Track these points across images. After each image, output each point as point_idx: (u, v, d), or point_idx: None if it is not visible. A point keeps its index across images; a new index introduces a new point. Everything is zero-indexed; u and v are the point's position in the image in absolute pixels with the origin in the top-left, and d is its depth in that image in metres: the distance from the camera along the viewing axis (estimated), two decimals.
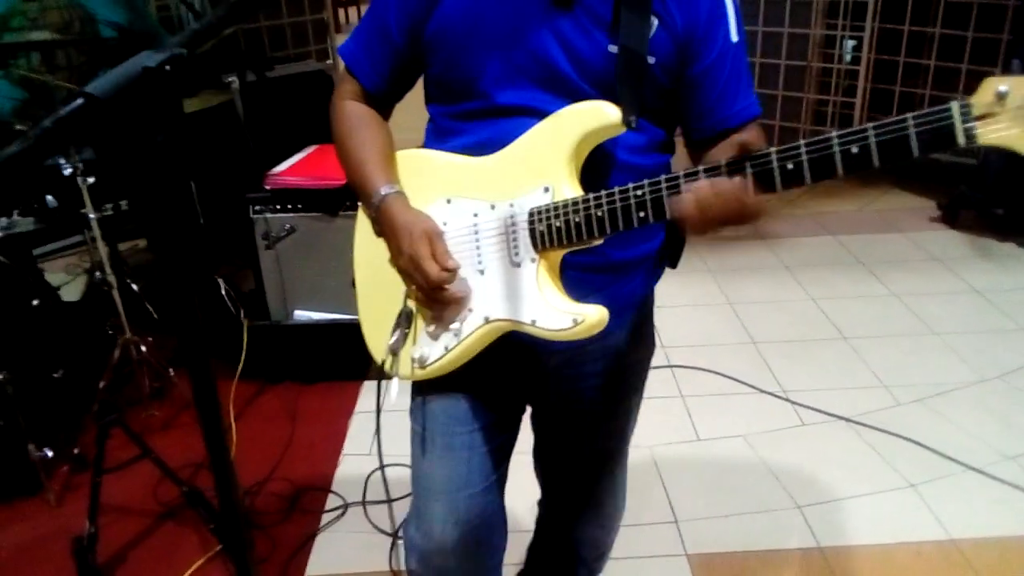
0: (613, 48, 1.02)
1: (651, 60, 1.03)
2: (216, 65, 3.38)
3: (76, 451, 2.20)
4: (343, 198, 2.34)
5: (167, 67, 0.55)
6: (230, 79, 3.08)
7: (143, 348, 2.30)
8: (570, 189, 1.02)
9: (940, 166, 3.88)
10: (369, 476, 2.15)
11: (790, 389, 2.46)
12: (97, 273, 2.31)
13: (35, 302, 2.25)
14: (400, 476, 2.16)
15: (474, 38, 1.05)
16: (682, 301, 3.02)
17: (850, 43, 4.14)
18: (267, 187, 2.37)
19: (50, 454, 2.11)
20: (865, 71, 4.04)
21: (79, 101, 0.52)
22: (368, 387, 2.58)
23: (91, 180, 2.07)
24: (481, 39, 1.05)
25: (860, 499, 2.01)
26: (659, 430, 2.27)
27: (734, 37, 1.07)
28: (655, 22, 1.02)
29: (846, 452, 2.18)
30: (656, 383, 2.45)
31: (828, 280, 3.14)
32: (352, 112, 1.19)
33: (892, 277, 3.13)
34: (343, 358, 2.60)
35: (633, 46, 1.02)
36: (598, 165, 1.07)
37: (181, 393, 2.41)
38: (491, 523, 1.26)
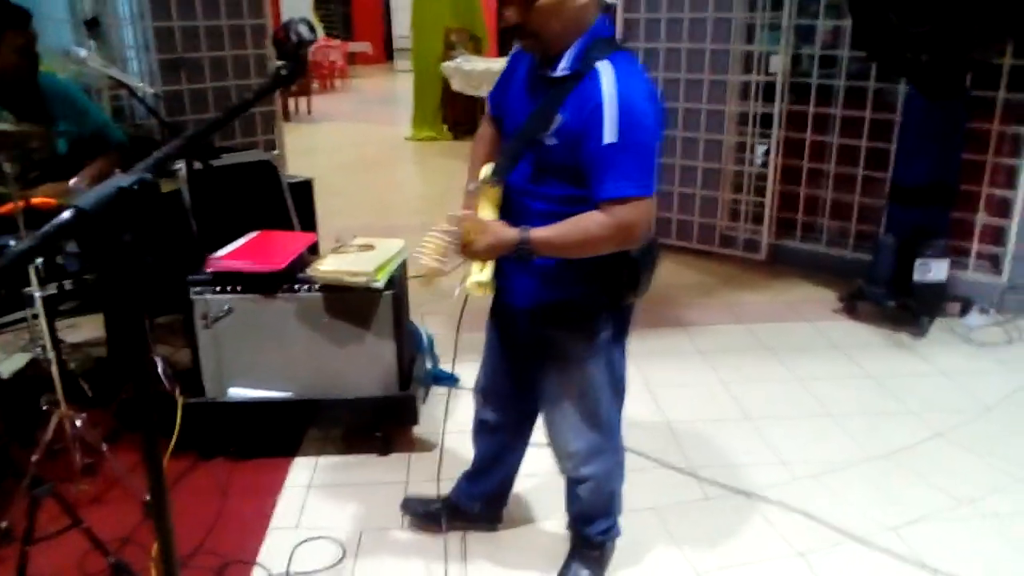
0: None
1: (552, 142, 1.61)
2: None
3: (4, 524, 2.23)
4: (280, 281, 2.49)
5: (136, 187, 0.72)
6: (177, 167, 3.25)
7: (78, 423, 2.36)
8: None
9: (843, 261, 4.24)
10: (294, 549, 2.23)
11: (696, 465, 2.64)
12: (37, 350, 2.39)
13: None
14: (325, 548, 2.25)
15: (503, 107, 1.82)
16: None
17: (761, 148, 4.54)
18: (208, 270, 2.51)
19: None
20: (774, 174, 4.43)
21: (71, 213, 0.69)
22: (298, 463, 2.67)
23: (39, 261, 2.19)
24: (505, 111, 1.81)
25: (754, 566, 2.17)
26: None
27: (606, 140, 1.52)
28: (559, 118, 1.59)
29: (744, 524, 2.36)
30: None
31: (737, 364, 3.38)
32: (480, 131, 1.94)
33: (796, 362, 3.39)
34: (275, 435, 2.70)
35: (533, 131, 1.63)
36: (518, 210, 1.70)
37: (111, 469, 2.46)
38: None
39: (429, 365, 3.04)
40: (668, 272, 4.54)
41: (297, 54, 1.10)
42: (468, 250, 1.63)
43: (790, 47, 4.22)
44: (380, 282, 2.46)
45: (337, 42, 15.84)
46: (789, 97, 4.31)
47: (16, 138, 2.27)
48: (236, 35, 4.43)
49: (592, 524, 2.08)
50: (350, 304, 2.52)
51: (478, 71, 8.08)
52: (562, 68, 1.60)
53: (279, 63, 1.16)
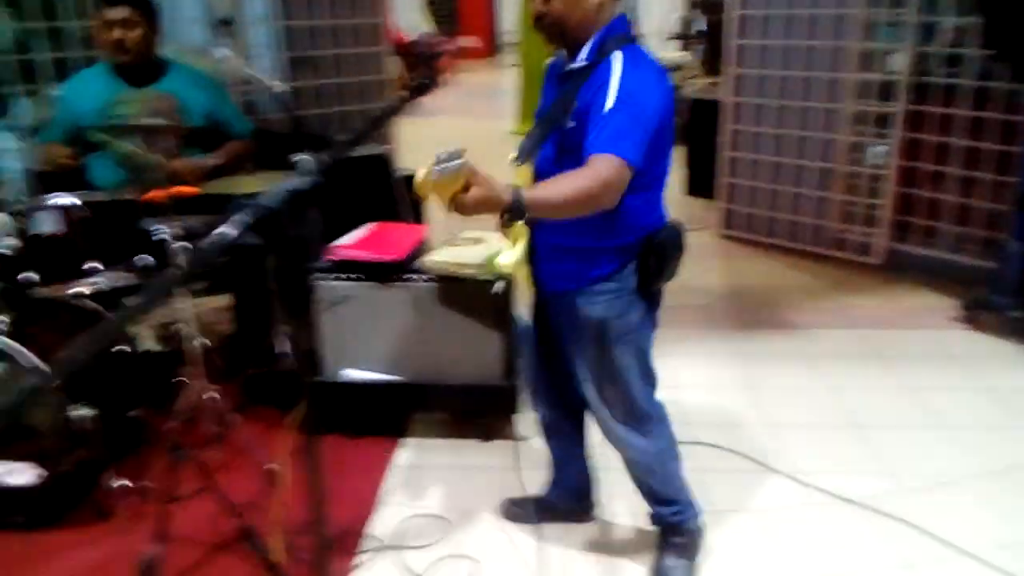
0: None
1: (571, 124, 1.75)
2: (288, 145, 3.76)
3: (145, 483, 2.45)
4: (396, 270, 2.62)
5: (305, 189, 0.82)
6: (299, 159, 3.45)
7: (211, 395, 2.56)
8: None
9: (964, 268, 4.04)
10: (401, 524, 2.36)
11: (801, 470, 2.61)
12: (176, 326, 2.61)
13: (117, 348, 2.56)
14: (429, 524, 2.37)
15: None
16: (706, 381, 3.21)
17: (878, 148, 4.38)
18: (329, 258, 2.66)
19: (122, 484, 2.37)
20: (891, 176, 4.26)
21: (260, 210, 0.80)
22: (405, 444, 2.80)
23: (182, 245, 2.39)
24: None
25: None
26: None
27: (605, 108, 1.67)
28: (577, 103, 1.74)
29: (849, 532, 2.32)
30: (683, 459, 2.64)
31: (847, 370, 3.30)
32: None
33: (910, 371, 3.27)
34: (384, 416, 2.84)
35: (555, 117, 1.79)
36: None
37: (238, 438, 2.65)
38: None
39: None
40: (776, 273, 4.46)
41: (431, 66, 1.20)
42: (461, 200, 1.58)
43: (912, 45, 4.05)
44: (489, 274, 2.55)
45: (445, 37, 16.17)
46: (910, 97, 4.14)
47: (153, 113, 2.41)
48: (356, 34, 4.63)
49: (663, 505, 2.13)
50: (460, 294, 2.62)
51: None
52: (580, 60, 1.77)
53: (420, 76, 1.27)
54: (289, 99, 3.13)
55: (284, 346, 2.92)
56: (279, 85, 2.91)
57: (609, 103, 1.67)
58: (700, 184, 5.50)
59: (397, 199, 3.97)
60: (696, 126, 5.56)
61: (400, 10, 10.64)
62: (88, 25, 3.67)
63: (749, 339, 3.61)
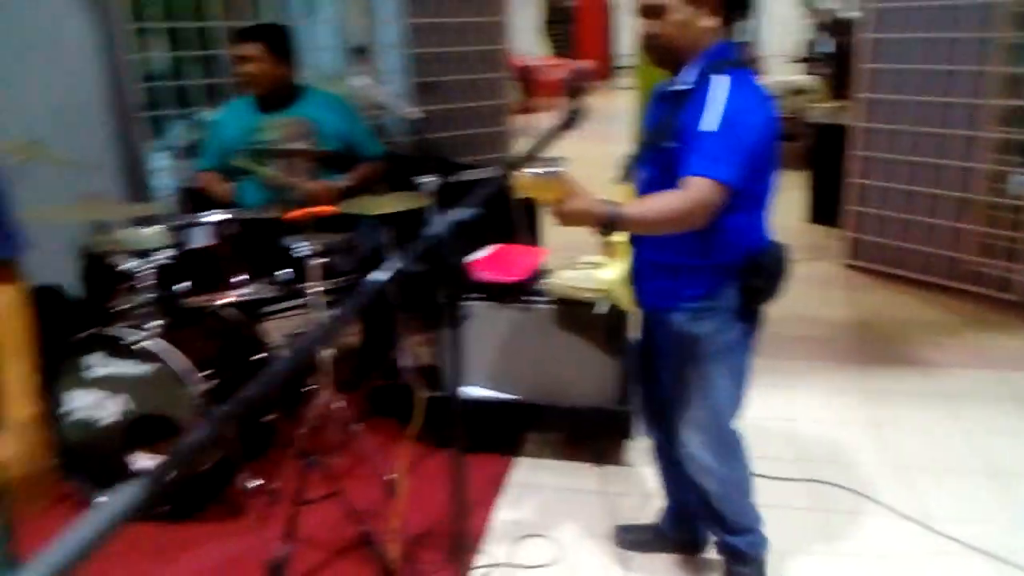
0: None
1: (671, 145, 1.76)
2: (411, 169, 3.92)
3: (274, 485, 2.60)
4: (518, 291, 2.68)
5: (466, 219, 0.89)
6: (424, 181, 3.59)
7: (337, 404, 2.69)
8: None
9: None
10: (513, 543, 2.39)
11: (932, 516, 2.47)
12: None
13: (256, 356, 2.73)
14: (540, 545, 2.39)
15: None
16: (828, 417, 3.09)
17: (1021, 179, 4.11)
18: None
19: (254, 484, 2.52)
20: None
21: (431, 239, 0.87)
22: (518, 462, 2.84)
23: (320, 261, 2.54)
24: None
25: None
26: (795, 539, 2.36)
27: (701, 127, 1.69)
28: (678, 123, 1.76)
29: None
30: (795, 494, 2.56)
31: (985, 413, 3.10)
32: None
33: None
34: (499, 433, 2.90)
35: (657, 137, 1.82)
36: None
37: (361, 447, 2.77)
38: None
39: None
40: (906, 307, 4.25)
41: (579, 99, 1.29)
42: (559, 209, 1.71)
43: None
44: (607, 298, 2.57)
45: (560, 60, 16.37)
46: None
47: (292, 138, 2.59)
48: (479, 60, 4.77)
49: (735, 534, 2.08)
50: (577, 317, 2.65)
51: None
52: (684, 81, 1.79)
53: (570, 108, 1.47)
54: (422, 124, 3.26)
55: (406, 360, 3.04)
56: (414, 111, 3.04)
57: (706, 125, 1.69)
58: (823, 211, 5.32)
59: (515, 221, 4.07)
60: (820, 151, 5.40)
61: (518, 35, 10.88)
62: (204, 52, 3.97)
63: (875, 375, 3.45)
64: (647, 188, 1.86)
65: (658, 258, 1.91)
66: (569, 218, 1.71)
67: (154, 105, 3.90)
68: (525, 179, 1.66)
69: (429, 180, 3.58)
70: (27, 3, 3.43)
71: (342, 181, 3.12)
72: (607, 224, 1.70)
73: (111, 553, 2.38)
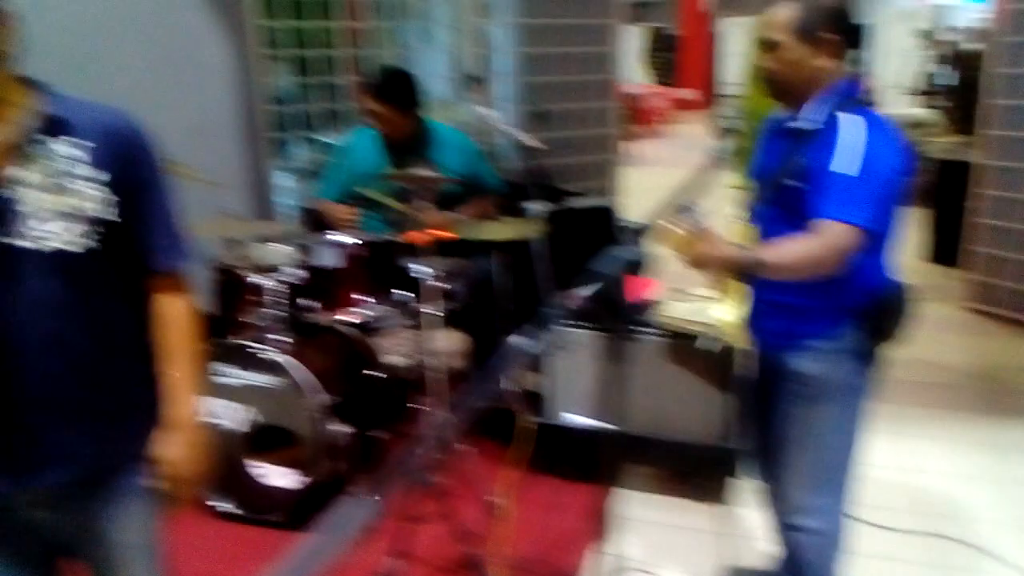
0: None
1: (794, 184, 1.73)
2: (521, 195, 3.98)
3: (379, 499, 2.68)
4: (627, 321, 2.68)
5: (636, 260, 0.93)
6: (534, 207, 3.65)
7: (446, 424, 2.75)
8: None
9: None
10: (612, 574, 2.38)
11: None
12: (422, 357, 2.84)
13: (371, 373, 2.83)
14: None
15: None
16: (948, 469, 2.94)
17: None
18: (564, 304, 2.78)
19: (364, 497, 2.61)
20: None
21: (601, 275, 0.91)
22: (618, 493, 2.82)
23: (437, 284, 2.62)
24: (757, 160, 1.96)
25: None
26: None
27: (833, 167, 1.65)
28: (801, 163, 1.72)
29: None
30: (911, 548, 2.45)
31: None
32: None
33: None
34: (599, 463, 2.88)
35: (778, 176, 1.78)
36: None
37: (465, 468, 2.81)
38: None
39: None
40: None
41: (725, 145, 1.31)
42: (695, 256, 1.70)
43: None
44: (719, 333, 2.54)
45: (664, 88, 16.31)
46: None
47: (417, 184, 2.69)
48: (589, 89, 4.82)
49: None
50: (686, 350, 2.63)
51: None
52: (810, 120, 1.76)
53: (718, 144, 1.38)
54: (541, 154, 3.32)
55: (511, 385, 3.08)
56: (534, 142, 3.10)
57: (838, 166, 1.66)
58: (943, 251, 5.09)
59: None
60: (941, 189, 5.17)
61: (620, 63, 10.92)
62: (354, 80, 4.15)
63: (1001, 427, 3.26)
64: (768, 227, 1.84)
65: (778, 298, 1.87)
66: (705, 263, 1.71)
67: (279, 127, 4.12)
68: (669, 231, 1.68)
69: (537, 206, 3.66)
70: (173, 29, 3.71)
71: (460, 215, 3.21)
72: (741, 271, 1.68)
73: (226, 554, 2.51)
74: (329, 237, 2.70)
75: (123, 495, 1.39)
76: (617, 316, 0.97)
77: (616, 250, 1.02)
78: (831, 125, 1.71)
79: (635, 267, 0.96)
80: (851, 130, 1.69)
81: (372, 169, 3.18)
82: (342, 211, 3.19)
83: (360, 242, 2.69)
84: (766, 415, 2.06)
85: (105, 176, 1.28)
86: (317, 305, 2.66)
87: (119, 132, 1.31)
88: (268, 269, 2.72)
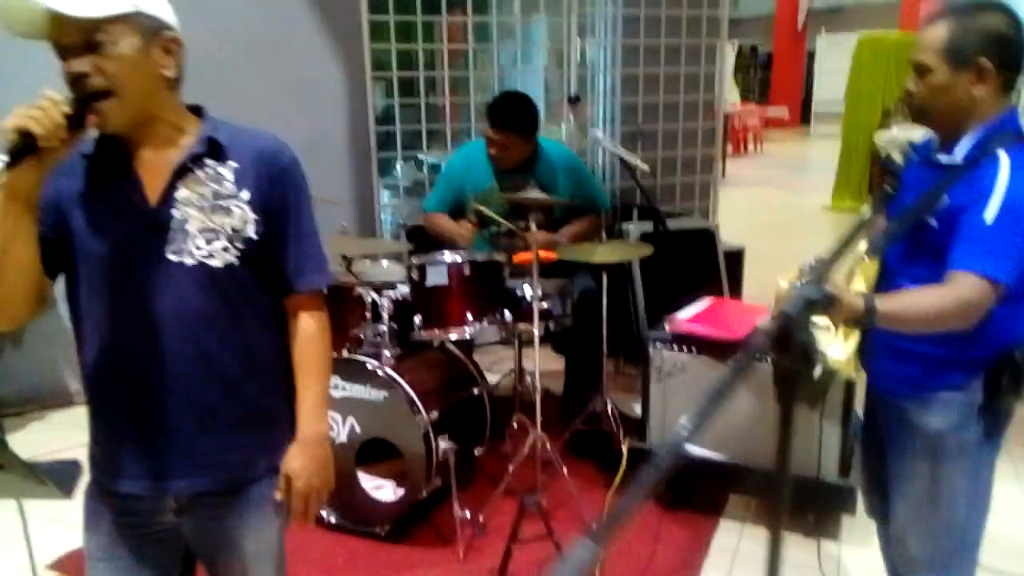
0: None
1: (934, 224, 1.58)
2: (626, 215, 3.96)
3: (481, 518, 2.68)
4: (735, 350, 2.62)
5: (823, 300, 0.91)
6: (636, 229, 3.62)
7: (546, 445, 2.74)
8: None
9: None
10: None
11: None
12: (523, 376, 2.85)
13: (476, 391, 2.85)
14: None
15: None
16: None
17: None
18: (669, 329, 2.74)
19: (464, 515, 2.62)
20: None
21: (781, 319, 0.89)
22: (724, 525, 2.75)
23: (545, 305, 2.63)
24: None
25: None
26: None
27: (980, 216, 1.49)
28: (945, 201, 1.56)
29: None
30: None
31: None
32: None
33: None
34: (705, 492, 2.82)
35: (918, 213, 1.59)
36: (889, 287, 1.69)
37: (563, 487, 2.79)
38: None
39: None
40: None
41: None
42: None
43: None
44: (838, 366, 2.45)
45: (754, 106, 15.99)
46: None
47: (531, 207, 2.72)
48: (689, 109, 4.76)
49: None
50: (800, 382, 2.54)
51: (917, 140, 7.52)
52: (956, 156, 1.60)
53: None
54: (645, 174, 3.30)
55: (609, 407, 3.05)
56: (642, 164, 3.09)
57: (989, 214, 1.50)
58: None
59: (719, 273, 3.99)
60: None
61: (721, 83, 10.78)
62: (451, 101, 4.23)
63: None
64: (894, 265, 1.72)
65: (902, 343, 1.72)
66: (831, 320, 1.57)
67: (381, 146, 4.22)
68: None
69: (640, 228, 3.64)
70: (290, 53, 3.86)
71: (562, 235, 3.22)
72: (864, 323, 1.53)
73: (329, 565, 2.55)
74: (437, 256, 2.74)
75: (256, 505, 1.43)
76: (794, 357, 0.92)
77: (801, 289, 0.97)
78: (985, 164, 1.55)
79: (819, 305, 0.90)
80: (995, 171, 1.53)
81: (481, 185, 3.23)
82: (460, 226, 3.23)
83: (467, 261, 2.71)
84: (880, 459, 1.93)
85: (251, 196, 1.34)
86: (423, 321, 2.70)
87: (267, 156, 1.37)
88: (378, 285, 2.78)
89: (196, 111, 1.37)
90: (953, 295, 1.52)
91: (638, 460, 2.80)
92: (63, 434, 3.33)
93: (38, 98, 1.13)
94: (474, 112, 4.46)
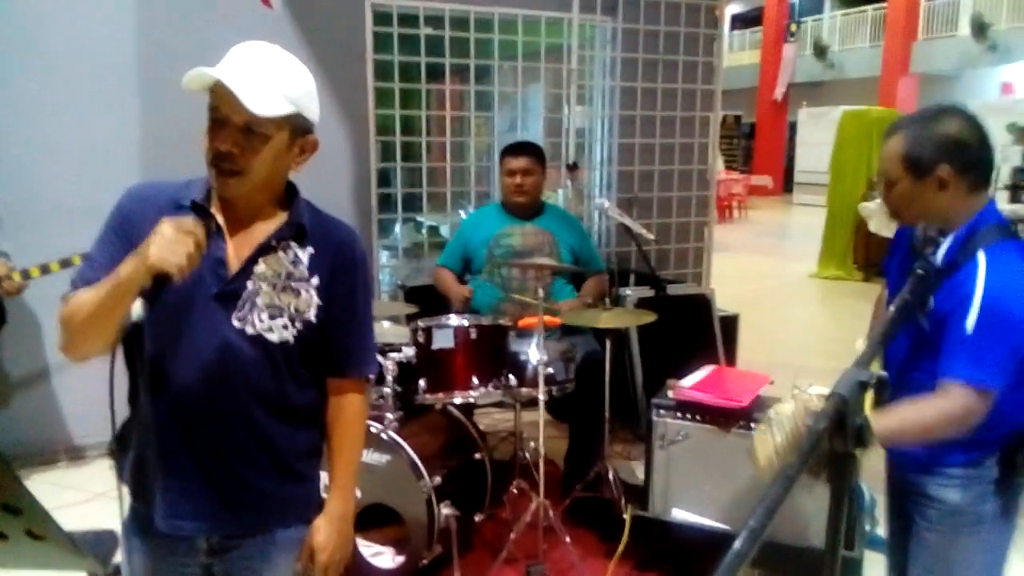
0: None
1: (925, 325, 1.59)
2: (621, 280, 4.01)
3: None
4: (738, 418, 2.63)
5: (875, 382, 0.93)
6: (634, 294, 3.67)
7: (548, 511, 2.71)
8: None
9: None
10: None
11: None
12: (532, 444, 2.84)
13: (477, 456, 2.83)
14: None
15: (889, 275, 1.85)
16: None
17: None
18: (672, 397, 2.75)
19: None
20: None
21: (837, 401, 0.91)
22: None
23: (549, 370, 2.63)
24: (890, 281, 1.84)
25: None
26: None
27: (963, 325, 1.51)
28: (932, 303, 1.57)
29: None
30: None
31: None
32: (880, 294, 1.99)
33: None
34: (709, 563, 2.78)
35: (910, 310, 1.56)
36: (900, 382, 1.68)
37: (565, 556, 2.74)
38: None
39: (868, 527, 2.90)
40: None
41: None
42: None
43: None
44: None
45: (738, 174, 16.36)
46: None
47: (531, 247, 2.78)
48: (683, 178, 4.87)
49: None
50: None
51: None
52: (936, 259, 1.58)
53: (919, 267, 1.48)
54: (645, 241, 3.38)
55: (611, 474, 3.03)
56: (647, 233, 3.15)
57: (969, 322, 1.51)
58: None
59: (714, 339, 4.02)
60: None
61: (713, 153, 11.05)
62: (446, 165, 4.31)
63: None
64: (897, 358, 1.74)
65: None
66: None
67: (380, 208, 4.26)
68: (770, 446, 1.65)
69: (634, 293, 3.69)
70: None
71: (583, 299, 3.29)
72: (861, 443, 1.57)
73: None
74: (444, 319, 2.76)
75: (282, 548, 1.45)
76: (848, 439, 0.94)
77: (853, 371, 0.99)
78: (965, 267, 1.56)
79: (871, 388, 0.92)
80: (978, 275, 1.53)
81: (490, 236, 3.31)
82: (460, 289, 3.29)
83: (473, 324, 2.73)
84: (904, 544, 1.89)
85: (320, 283, 1.40)
86: (428, 384, 2.69)
87: (340, 244, 1.44)
88: (380, 347, 2.78)
89: (290, 188, 1.44)
90: (947, 409, 1.55)
91: (640, 528, 2.77)
92: (53, 493, 3.24)
93: (183, 233, 1.17)
94: (473, 178, 4.54)
